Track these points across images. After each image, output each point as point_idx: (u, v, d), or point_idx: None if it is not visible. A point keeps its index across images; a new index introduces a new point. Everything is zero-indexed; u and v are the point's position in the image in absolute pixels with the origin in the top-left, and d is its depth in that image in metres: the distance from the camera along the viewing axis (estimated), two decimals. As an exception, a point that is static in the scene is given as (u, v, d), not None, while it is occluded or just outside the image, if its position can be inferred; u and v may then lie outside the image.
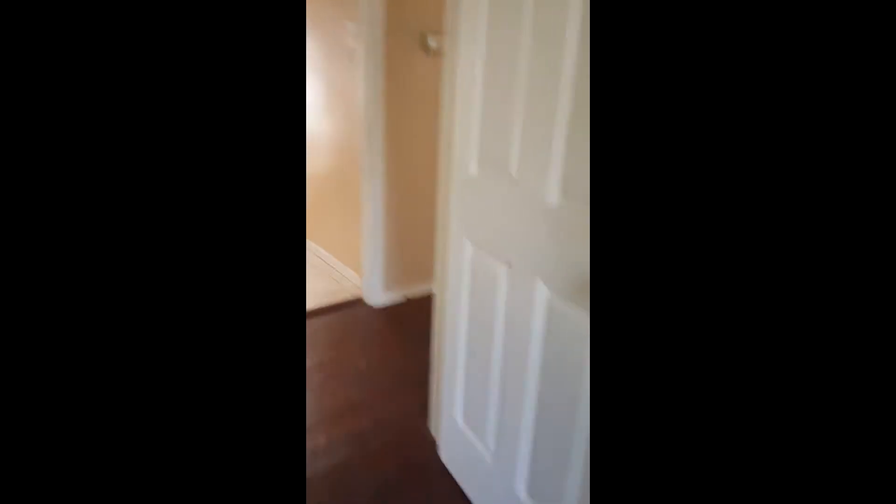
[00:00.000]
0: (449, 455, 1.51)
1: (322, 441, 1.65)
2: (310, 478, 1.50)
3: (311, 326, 2.36)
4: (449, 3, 1.23)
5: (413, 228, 2.57)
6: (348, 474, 1.52)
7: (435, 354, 1.56)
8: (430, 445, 1.64)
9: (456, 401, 1.41)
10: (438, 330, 1.52)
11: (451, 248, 1.31)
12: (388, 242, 2.49)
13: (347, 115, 2.53)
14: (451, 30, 1.24)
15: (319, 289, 2.73)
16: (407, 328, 2.37)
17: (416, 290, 2.67)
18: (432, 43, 2.31)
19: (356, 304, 2.57)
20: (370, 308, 2.54)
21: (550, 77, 0.88)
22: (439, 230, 1.41)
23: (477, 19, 1.08)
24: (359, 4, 2.16)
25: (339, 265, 2.92)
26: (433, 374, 1.60)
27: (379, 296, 2.54)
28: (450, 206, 1.29)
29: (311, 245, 3.29)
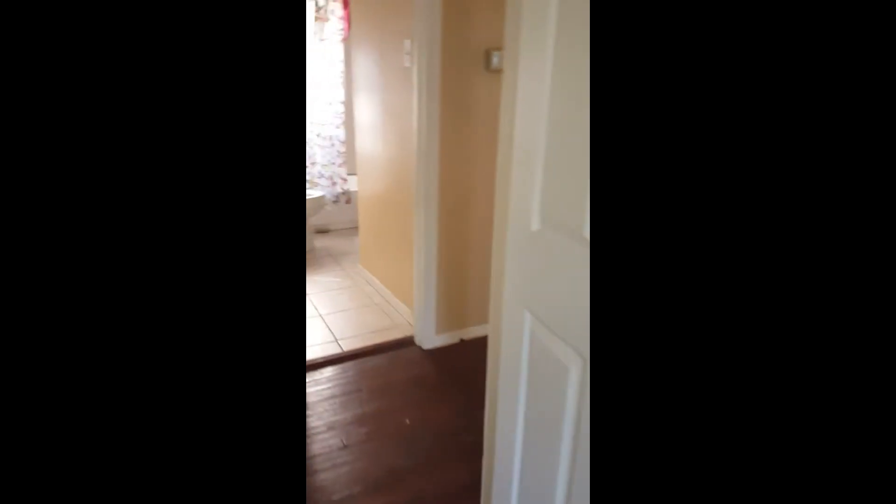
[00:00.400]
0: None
1: (354, 520, 1.43)
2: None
3: (357, 368, 2.16)
4: (509, 13, 0.99)
5: (470, 264, 2.32)
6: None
7: (486, 446, 1.30)
8: (478, 540, 1.37)
9: (508, 504, 1.14)
10: (489, 422, 1.25)
11: (505, 317, 1.06)
12: (442, 279, 2.26)
13: (402, 138, 2.34)
14: (510, 47, 0.99)
15: (369, 323, 2.54)
16: (459, 377, 2.11)
17: (471, 332, 2.42)
18: (496, 61, 2.07)
19: (406, 344, 2.35)
20: (420, 350, 2.31)
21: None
22: (492, 292, 1.15)
23: (544, 35, 0.83)
24: (416, 20, 1.97)
25: (392, 297, 2.73)
26: (484, 465, 1.33)
27: (430, 338, 2.31)
28: (505, 264, 1.04)
29: (363, 272, 3.13)
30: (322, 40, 3.66)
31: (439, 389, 2.04)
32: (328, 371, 2.14)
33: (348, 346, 2.33)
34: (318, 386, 2.03)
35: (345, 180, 4.07)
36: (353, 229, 4.15)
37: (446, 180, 2.14)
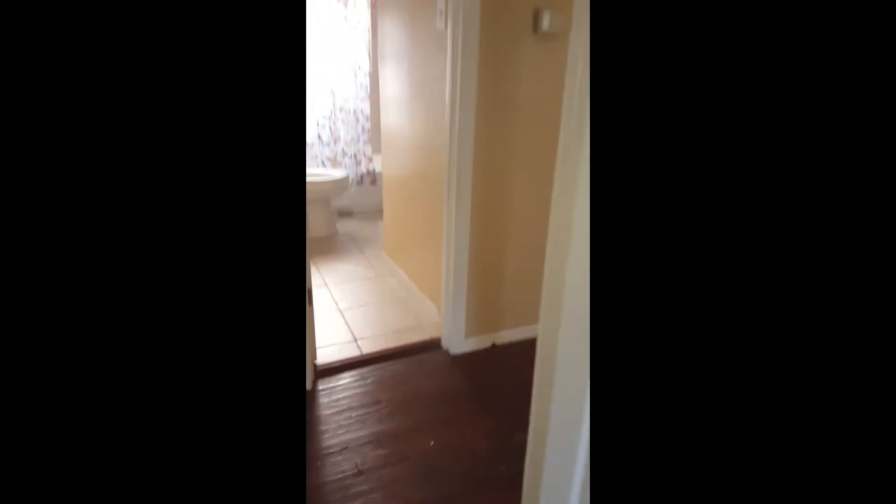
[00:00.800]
0: None
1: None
2: None
3: (377, 375, 1.93)
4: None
5: (506, 260, 2.04)
6: None
7: (526, 483, 1.04)
8: None
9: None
10: (533, 459, 0.98)
11: (562, 346, 0.79)
12: (474, 276, 1.99)
13: (433, 113, 2.06)
14: (579, 3, 0.70)
15: (392, 322, 2.30)
16: (491, 390, 1.86)
17: (504, 336, 2.15)
18: (547, 23, 1.75)
19: (432, 347, 2.10)
20: (448, 355, 2.06)
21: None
22: (544, 310, 0.88)
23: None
24: (450, -27, 1.66)
25: (418, 293, 2.48)
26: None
27: (459, 342, 2.05)
28: (565, 278, 0.76)
29: (387, 262, 2.89)
30: (346, 5, 3.37)
31: (468, 404, 1.78)
32: (345, 377, 1.91)
33: (368, 346, 2.10)
34: (334, 395, 1.81)
35: (370, 159, 3.81)
36: (379, 212, 3.90)
37: (482, 163, 1.85)
